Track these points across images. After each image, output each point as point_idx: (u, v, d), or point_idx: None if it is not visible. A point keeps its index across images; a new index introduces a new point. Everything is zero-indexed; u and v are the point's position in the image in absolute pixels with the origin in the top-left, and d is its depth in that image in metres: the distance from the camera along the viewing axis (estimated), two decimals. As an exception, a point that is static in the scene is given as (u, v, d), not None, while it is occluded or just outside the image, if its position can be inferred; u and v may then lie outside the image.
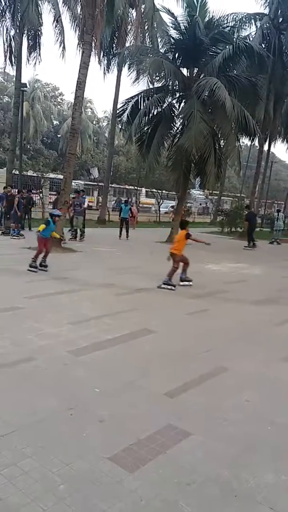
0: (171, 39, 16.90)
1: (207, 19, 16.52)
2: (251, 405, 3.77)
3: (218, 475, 2.78)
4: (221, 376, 4.35)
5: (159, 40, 19.94)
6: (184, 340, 5.43)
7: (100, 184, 31.59)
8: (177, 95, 16.98)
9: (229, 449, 3.08)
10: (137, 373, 4.24)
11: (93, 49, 13.52)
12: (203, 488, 2.65)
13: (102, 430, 3.19)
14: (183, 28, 16.05)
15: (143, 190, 36.20)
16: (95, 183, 37.59)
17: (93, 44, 13.07)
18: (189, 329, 5.95)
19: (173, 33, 16.90)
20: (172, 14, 16.55)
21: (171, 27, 16.98)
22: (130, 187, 34.96)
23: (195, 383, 4.12)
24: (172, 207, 26.91)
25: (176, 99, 17.05)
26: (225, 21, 17.48)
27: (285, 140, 29.65)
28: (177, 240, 8.89)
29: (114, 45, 21.91)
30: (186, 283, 8.82)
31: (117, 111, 18.42)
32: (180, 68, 16.61)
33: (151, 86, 17.12)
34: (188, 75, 16.78)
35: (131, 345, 5.05)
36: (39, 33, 19.87)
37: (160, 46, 18.66)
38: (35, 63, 20.11)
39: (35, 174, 25.18)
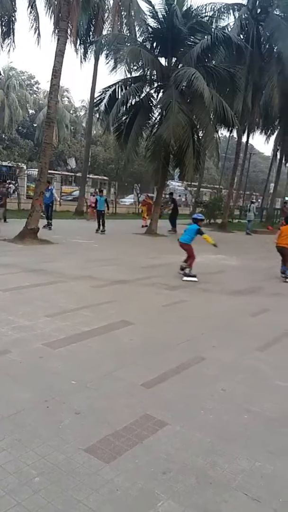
0: (149, 28, 16.75)
1: (185, 8, 16.47)
2: (228, 394, 3.82)
3: (194, 463, 2.81)
4: (198, 366, 4.38)
5: (136, 28, 19.71)
6: (162, 331, 5.45)
7: (77, 174, 31.24)
8: (155, 85, 16.90)
9: (205, 437, 3.11)
10: (114, 365, 4.23)
11: (69, 37, 13.29)
12: (179, 476, 2.67)
13: (78, 422, 3.17)
14: (161, 17, 15.94)
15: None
16: (72, 174, 37.14)
17: (69, 32, 12.82)
18: (167, 320, 5.96)
19: (151, 22, 16.78)
20: (149, 2, 16.41)
21: (149, 15, 16.85)
22: (105, 177, 34.51)
23: (172, 373, 4.13)
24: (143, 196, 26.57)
25: (154, 89, 16.97)
26: (203, 11, 17.42)
27: (263, 131, 29.93)
28: (285, 234, 9.53)
29: (91, 33, 21.56)
30: None
31: (95, 100, 18.21)
32: (158, 58, 16.53)
33: (128, 76, 16.97)
34: (166, 64, 16.70)
35: (108, 337, 5.04)
36: (13, 19, 19.30)
37: (137, 35, 18.46)
38: (9, 50, 19.53)
39: (10, 164, 24.74)
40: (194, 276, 8.67)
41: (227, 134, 32.70)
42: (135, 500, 2.44)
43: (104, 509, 2.36)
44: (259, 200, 41.36)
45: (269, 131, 29.53)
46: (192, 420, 3.34)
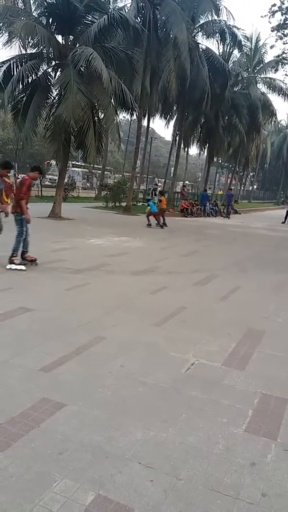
0: (44, 2, 15.99)
1: (80, -16, 15.95)
2: (125, 370, 3.93)
3: (91, 440, 2.86)
4: (98, 346, 4.44)
5: (31, 1, 18.72)
6: (63, 315, 5.39)
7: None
8: (53, 63, 16.28)
9: (103, 414, 3.18)
10: (11, 352, 4.10)
11: None
12: (76, 455, 2.70)
13: None
14: (56, -9, 15.29)
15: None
16: None
17: None
18: (68, 304, 5.91)
19: (46, -5, 16.00)
20: (43, -25, 15.61)
21: (43, -12, 16.04)
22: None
23: (72, 355, 4.13)
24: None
25: (51, 68, 16.33)
26: (100, -11, 17.06)
27: (163, 116, 30.60)
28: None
29: (-20, 3, 19.95)
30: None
31: (-12, 76, 16.95)
32: (55, 35, 15.89)
33: (23, 52, 16.10)
34: (64, 43, 16.15)
35: (6, 325, 4.85)
36: None
37: (33, 9, 17.53)
38: None
39: None
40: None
41: (129, 117, 32.84)
42: (30, 484, 2.42)
43: (-4, 497, 2.31)
44: (159, 184, 42.45)
45: (168, 116, 30.29)
46: (90, 398, 3.38)
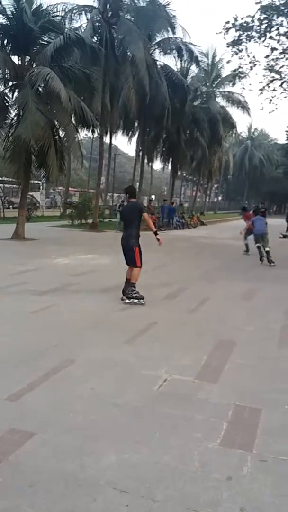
0: (-2, 24, 15.96)
1: (35, 6, 16.07)
2: (96, 392, 3.83)
3: (62, 469, 2.75)
4: (68, 369, 4.32)
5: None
6: (29, 339, 5.23)
7: None
8: (10, 84, 16.20)
9: (75, 440, 3.07)
10: (-24, 382, 3.93)
11: None
12: (48, 486, 2.59)
13: None
14: (10, 13, 15.30)
15: None
16: None
17: None
18: (34, 328, 5.74)
19: (0, 17, 15.99)
20: (-4, -3, 15.60)
21: (-3, 11, 16.01)
22: None
23: (40, 381, 4.00)
24: None
25: (8, 88, 16.24)
26: (55, 10, 17.24)
27: (125, 132, 30.91)
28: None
29: None
30: None
31: None
32: (11, 56, 15.86)
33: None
34: (20, 63, 16.12)
35: None
36: None
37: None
38: None
39: None
40: None
41: (91, 135, 32.97)
42: (-2, 523, 2.29)
43: None
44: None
45: (131, 132, 30.62)
46: (60, 425, 3.27)
